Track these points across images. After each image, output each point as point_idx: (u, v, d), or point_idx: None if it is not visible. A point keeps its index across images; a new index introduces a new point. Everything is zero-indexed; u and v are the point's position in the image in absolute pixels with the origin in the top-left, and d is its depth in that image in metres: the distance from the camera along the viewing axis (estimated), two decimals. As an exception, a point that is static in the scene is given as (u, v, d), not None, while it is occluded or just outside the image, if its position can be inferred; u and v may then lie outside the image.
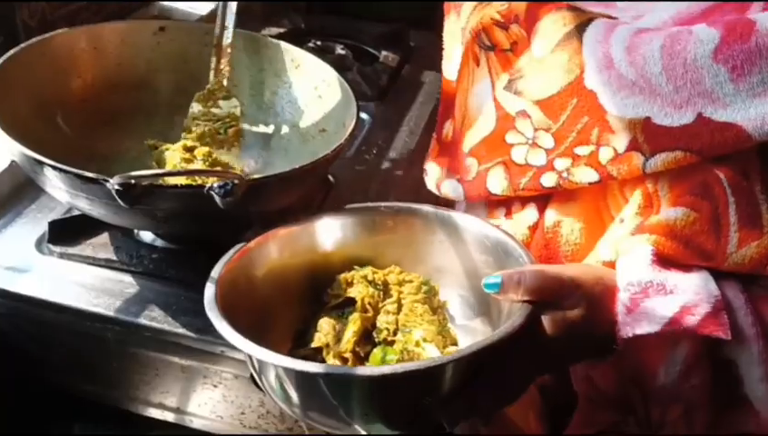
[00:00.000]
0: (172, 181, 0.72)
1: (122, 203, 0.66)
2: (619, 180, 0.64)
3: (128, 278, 0.84)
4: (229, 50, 0.91)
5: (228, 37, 0.90)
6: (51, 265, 0.85)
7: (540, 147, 0.68)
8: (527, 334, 0.58)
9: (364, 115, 1.16)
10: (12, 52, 0.83)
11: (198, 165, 0.82)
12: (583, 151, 0.65)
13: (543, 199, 0.71)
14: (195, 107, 0.89)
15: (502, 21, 0.72)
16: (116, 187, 0.65)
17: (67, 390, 0.91)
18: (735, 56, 0.58)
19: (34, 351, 0.88)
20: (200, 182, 0.75)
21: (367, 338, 0.68)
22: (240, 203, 0.67)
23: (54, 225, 0.87)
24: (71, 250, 0.86)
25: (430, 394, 0.57)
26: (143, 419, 0.90)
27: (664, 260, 0.61)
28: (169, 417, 0.88)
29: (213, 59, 0.91)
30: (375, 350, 0.67)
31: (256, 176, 0.73)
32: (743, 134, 0.58)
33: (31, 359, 0.89)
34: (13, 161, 0.77)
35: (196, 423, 0.88)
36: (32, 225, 0.90)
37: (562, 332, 0.59)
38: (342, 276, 0.71)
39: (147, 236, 0.88)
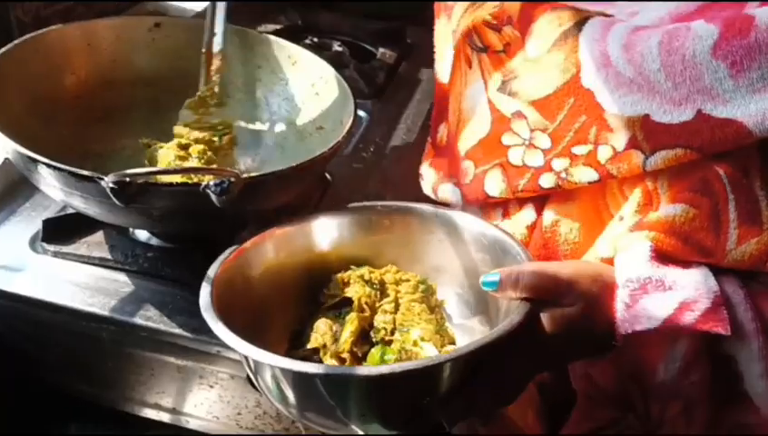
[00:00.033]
0: (167, 179, 0.71)
1: (116, 202, 0.65)
2: (619, 178, 0.64)
3: (123, 277, 0.83)
4: (219, 57, 0.90)
5: (218, 43, 0.90)
6: (45, 264, 0.85)
7: (537, 148, 0.68)
8: (526, 332, 0.58)
9: (361, 113, 1.15)
10: (5, 48, 0.82)
11: (193, 163, 0.82)
12: (581, 150, 0.65)
13: (540, 199, 0.70)
14: (186, 115, 0.88)
15: (494, 23, 0.71)
16: (111, 185, 0.64)
17: (63, 390, 0.91)
18: (735, 52, 0.58)
19: (28, 351, 0.88)
20: (195, 180, 0.74)
21: (364, 338, 0.68)
22: (236, 201, 0.67)
23: (48, 224, 0.87)
24: (65, 249, 0.85)
25: (429, 393, 0.57)
26: (139, 419, 0.89)
27: (662, 256, 0.61)
28: (165, 417, 0.88)
29: (203, 66, 0.90)
30: (373, 350, 0.67)
31: (252, 174, 0.72)
32: (743, 131, 0.58)
33: (26, 359, 0.88)
34: (6, 158, 0.76)
35: (192, 424, 0.88)
36: (26, 224, 0.90)
37: (561, 330, 0.59)
38: (339, 276, 0.71)
39: (142, 235, 0.87)
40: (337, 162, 0.88)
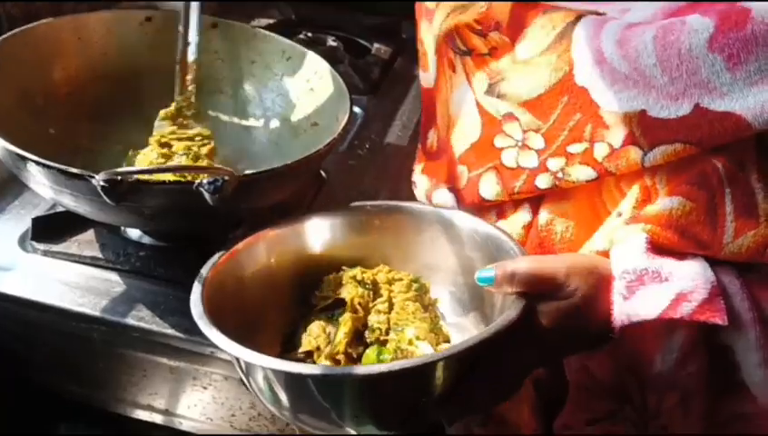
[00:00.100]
0: (159, 177, 0.70)
1: (107, 200, 0.64)
2: (616, 175, 0.64)
3: (114, 276, 0.82)
4: (194, 66, 0.88)
5: (193, 53, 0.88)
6: (35, 263, 0.84)
7: (530, 148, 0.67)
8: (523, 327, 0.58)
9: (356, 109, 1.14)
10: (-6, 42, 0.81)
11: (181, 162, 0.80)
12: (576, 148, 0.64)
13: (536, 199, 0.70)
14: (162, 125, 0.85)
15: (478, 28, 0.71)
16: (102, 183, 0.63)
17: (53, 391, 0.90)
18: (731, 45, 0.57)
19: (18, 352, 0.87)
20: (188, 178, 0.73)
21: (358, 339, 0.67)
22: (230, 199, 0.66)
23: (37, 222, 0.86)
24: (55, 247, 0.84)
25: (427, 392, 0.57)
26: (132, 420, 0.89)
27: (658, 248, 0.61)
28: (157, 419, 0.88)
29: (178, 76, 0.87)
30: (368, 350, 0.66)
31: (247, 172, 0.71)
32: (742, 123, 0.57)
33: (15, 359, 0.87)
34: (-6, 155, 0.75)
35: (185, 425, 0.87)
36: (15, 222, 0.89)
37: (558, 323, 0.59)
38: (330, 277, 0.71)
39: (134, 233, 0.86)
40: (332, 159, 0.88)
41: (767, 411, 0.63)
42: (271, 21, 1.33)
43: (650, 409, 0.64)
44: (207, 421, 0.86)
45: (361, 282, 0.69)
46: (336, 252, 0.73)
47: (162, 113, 0.84)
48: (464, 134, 0.73)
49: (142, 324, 0.77)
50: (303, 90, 0.93)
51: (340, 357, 0.65)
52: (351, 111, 0.83)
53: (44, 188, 0.72)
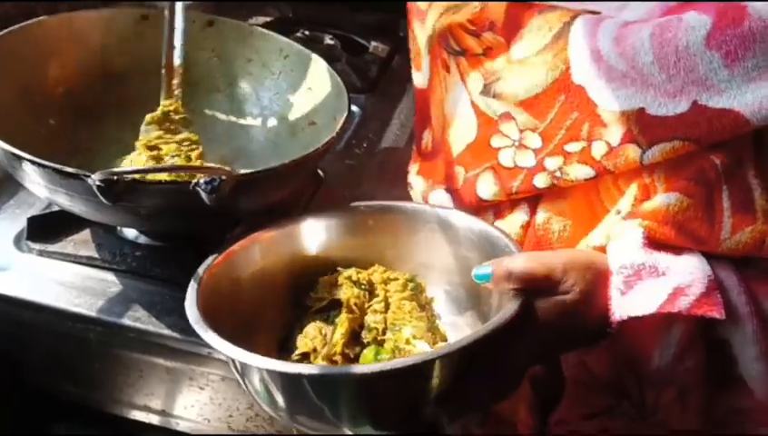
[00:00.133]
0: (155, 177, 0.70)
1: (103, 200, 0.64)
2: (615, 173, 0.63)
3: (111, 276, 0.82)
4: (181, 71, 0.86)
5: (179, 57, 0.86)
6: (30, 263, 0.83)
7: (527, 148, 0.67)
8: (521, 323, 0.57)
9: (354, 108, 1.14)
10: (-10, 40, 0.81)
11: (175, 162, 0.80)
12: (574, 147, 0.64)
13: (534, 198, 0.70)
14: (149, 130, 0.82)
15: (472, 28, 0.70)
16: (98, 183, 0.63)
17: (49, 392, 0.90)
18: (729, 41, 0.57)
19: (13, 352, 0.87)
20: (185, 178, 0.72)
21: (355, 339, 0.67)
22: (227, 199, 0.66)
23: (33, 221, 0.86)
24: (51, 247, 0.84)
25: (426, 390, 0.56)
26: (128, 421, 0.89)
27: (655, 243, 0.61)
28: (154, 420, 0.87)
29: (164, 81, 0.86)
30: (365, 350, 0.66)
31: (244, 172, 0.71)
32: (741, 120, 0.57)
33: (10, 360, 0.87)
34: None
35: (182, 426, 0.87)
36: (10, 221, 0.88)
37: (556, 319, 0.59)
38: (325, 279, 0.70)
39: (130, 233, 0.86)
40: (329, 158, 0.87)
41: (764, 405, 0.63)
42: (269, 19, 1.33)
43: (648, 404, 0.64)
44: (204, 422, 0.85)
45: (357, 283, 0.69)
46: (330, 253, 0.73)
47: (148, 117, 0.82)
48: (460, 135, 0.73)
49: (138, 325, 0.77)
50: (301, 89, 0.92)
51: (338, 358, 0.64)
52: (349, 110, 0.82)
53: (40, 188, 0.71)
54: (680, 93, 0.59)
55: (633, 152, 0.61)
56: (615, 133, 0.62)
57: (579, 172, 0.64)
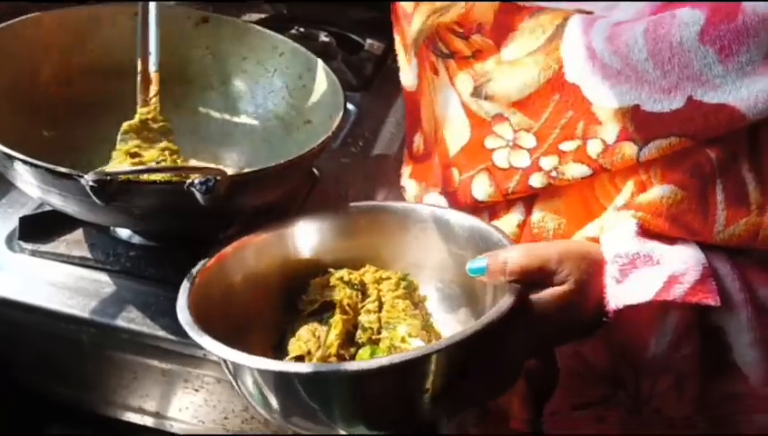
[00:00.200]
0: (149, 177, 0.69)
1: (96, 201, 0.63)
2: (611, 171, 0.63)
3: (104, 277, 0.81)
4: (156, 78, 0.83)
5: (154, 63, 0.83)
6: (22, 263, 0.83)
7: (522, 148, 0.67)
8: (517, 315, 0.57)
9: (349, 106, 1.13)
10: (-21, 37, 0.80)
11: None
12: (569, 146, 0.64)
13: (529, 198, 0.70)
14: (125, 139, 0.80)
15: (460, 30, 0.70)
16: (91, 183, 0.62)
17: (42, 393, 0.89)
18: (723, 36, 0.58)
19: (4, 353, 0.86)
20: (179, 178, 0.71)
21: (349, 341, 0.67)
22: (222, 199, 0.65)
23: (25, 221, 0.85)
24: (43, 247, 0.83)
25: (424, 386, 0.56)
26: (122, 423, 0.88)
27: (648, 233, 0.61)
28: (149, 422, 0.87)
29: (139, 88, 0.83)
30: (361, 350, 0.66)
31: (239, 172, 0.70)
32: (736, 115, 0.57)
33: (2, 361, 0.86)
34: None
35: (177, 428, 0.87)
36: (2, 221, 0.88)
37: (552, 310, 0.59)
38: (317, 281, 0.70)
39: (124, 233, 0.85)
40: (324, 156, 0.87)
41: (758, 391, 0.63)
42: (263, 16, 1.32)
43: (643, 393, 0.65)
44: (199, 424, 0.85)
45: (349, 283, 0.69)
46: (322, 255, 0.73)
47: (125, 125, 0.80)
48: (453, 137, 0.73)
49: (132, 326, 0.76)
50: (296, 87, 0.92)
51: (333, 359, 0.64)
52: (345, 109, 0.82)
53: (32, 187, 0.71)
54: (675, 89, 0.59)
55: (629, 149, 0.61)
56: (610, 130, 0.62)
57: (575, 170, 0.64)
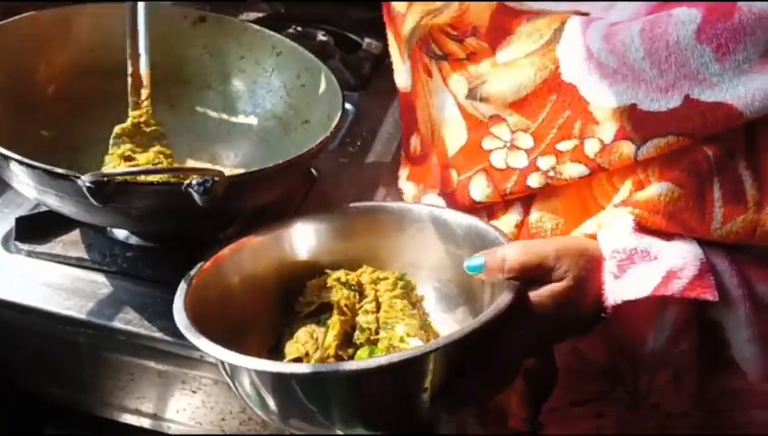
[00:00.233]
0: (147, 178, 0.69)
1: (93, 202, 0.63)
2: (609, 170, 0.64)
3: (101, 278, 0.81)
4: (147, 79, 0.82)
5: (145, 64, 0.82)
6: (18, 264, 0.82)
7: (519, 148, 0.67)
8: (516, 313, 0.57)
9: (348, 106, 1.13)
10: (-25, 37, 0.79)
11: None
12: (566, 146, 0.65)
13: (527, 198, 0.70)
14: (118, 143, 0.79)
15: (454, 33, 0.70)
16: (88, 184, 0.62)
17: (37, 395, 0.89)
18: (719, 35, 0.58)
19: (1, 354, 0.86)
20: (177, 179, 0.71)
21: (347, 342, 0.66)
22: (220, 200, 0.65)
23: (21, 221, 0.84)
24: (40, 248, 0.83)
25: (423, 385, 0.56)
26: (119, 424, 0.88)
27: (645, 230, 0.61)
28: (145, 423, 0.87)
29: (131, 91, 0.82)
30: (359, 351, 0.66)
31: (237, 173, 0.70)
32: (734, 113, 0.58)
33: (-2, 362, 0.86)
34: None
35: (174, 430, 0.86)
36: (-3, 221, 0.87)
37: (551, 307, 0.59)
38: (313, 282, 0.70)
39: (121, 233, 0.85)
40: (323, 156, 0.87)
41: (756, 387, 0.64)
42: (260, 15, 1.31)
43: (641, 389, 0.65)
44: (197, 426, 0.84)
45: (346, 284, 0.69)
46: (318, 256, 0.73)
47: (117, 129, 0.79)
48: (450, 139, 0.73)
49: (129, 328, 0.76)
50: (294, 87, 0.91)
51: (331, 360, 0.64)
52: (344, 109, 0.82)
53: (28, 188, 0.70)
54: (672, 87, 0.59)
55: (627, 148, 0.61)
56: (607, 130, 0.62)
57: (573, 170, 0.64)
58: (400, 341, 0.65)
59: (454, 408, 0.59)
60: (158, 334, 0.75)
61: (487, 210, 0.73)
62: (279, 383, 0.56)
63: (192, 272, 0.65)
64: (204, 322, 0.59)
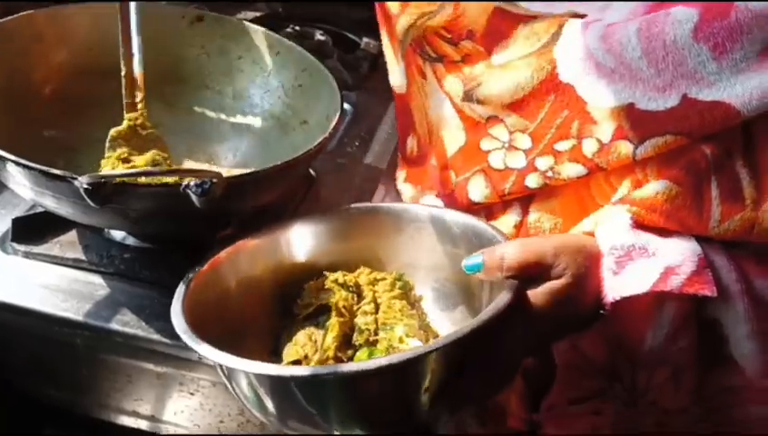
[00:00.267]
0: (145, 179, 0.69)
1: (91, 203, 0.62)
2: (607, 170, 0.64)
3: (98, 279, 0.80)
4: (141, 80, 0.81)
5: (138, 64, 0.81)
6: (15, 265, 0.82)
7: (517, 149, 0.67)
8: (515, 312, 0.57)
9: (346, 105, 1.13)
10: (-29, 36, 0.79)
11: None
12: (564, 146, 0.65)
13: (525, 198, 0.70)
14: (114, 146, 0.78)
15: (448, 36, 0.70)
16: (85, 186, 0.61)
17: (34, 396, 0.88)
18: (716, 34, 0.58)
19: (-2, 356, 0.85)
20: (173, 180, 0.71)
21: (347, 343, 0.66)
22: (218, 201, 0.64)
23: (18, 222, 0.84)
24: (36, 249, 0.82)
25: (422, 386, 0.55)
26: (116, 426, 0.87)
27: (643, 227, 0.61)
28: (143, 425, 0.86)
29: (125, 91, 0.81)
30: (358, 352, 0.65)
31: (235, 174, 0.69)
32: (731, 112, 0.58)
33: (-5, 363, 0.86)
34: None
35: (172, 432, 0.86)
36: (-6, 222, 0.87)
37: (550, 304, 0.59)
38: (311, 284, 0.70)
39: (118, 234, 0.84)
40: (321, 157, 0.86)
41: (754, 384, 0.63)
42: (258, 14, 1.31)
43: (640, 386, 0.65)
44: (195, 428, 0.84)
45: (344, 286, 0.68)
46: (315, 258, 0.72)
47: (113, 131, 0.78)
48: (448, 140, 0.73)
49: (126, 329, 0.75)
50: (292, 87, 0.91)
51: (331, 362, 0.64)
52: (342, 109, 0.81)
53: (25, 189, 0.70)
54: (669, 87, 0.59)
55: (625, 148, 0.61)
56: (605, 129, 0.62)
57: (571, 170, 0.64)
58: (399, 341, 0.65)
59: (453, 408, 0.59)
60: (155, 336, 0.75)
61: (486, 211, 0.73)
62: (278, 386, 0.55)
63: (190, 276, 0.64)
64: (202, 326, 0.59)
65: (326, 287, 0.68)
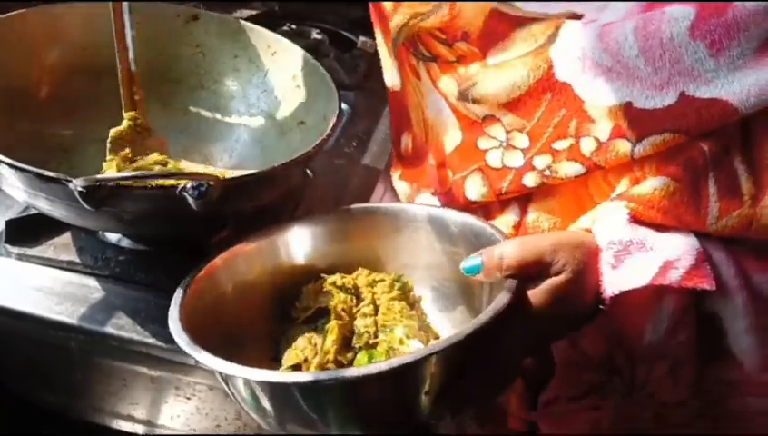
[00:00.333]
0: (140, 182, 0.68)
1: (86, 206, 0.62)
2: (605, 169, 0.64)
3: (93, 282, 0.80)
4: (138, 78, 0.80)
5: (133, 61, 0.81)
6: (8, 268, 0.81)
7: (515, 148, 0.67)
8: (516, 311, 0.57)
9: (343, 105, 1.11)
10: (-38, 36, 0.78)
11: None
12: (562, 145, 0.64)
13: (524, 198, 0.70)
14: (115, 147, 0.77)
15: (443, 37, 0.70)
16: (80, 189, 0.61)
17: (29, 400, 0.88)
18: (713, 31, 0.58)
19: (-9, 359, 0.85)
20: (170, 182, 0.70)
21: (346, 346, 0.66)
22: (215, 204, 0.64)
23: (11, 224, 0.83)
24: (30, 251, 0.82)
25: (423, 388, 0.55)
26: (111, 431, 0.87)
27: (640, 223, 0.61)
28: (139, 429, 0.86)
29: (123, 90, 0.80)
30: (358, 355, 0.65)
31: (231, 176, 0.69)
32: (729, 109, 0.58)
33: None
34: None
35: (168, 436, 0.85)
36: (-13, 224, 0.86)
37: (550, 302, 0.58)
38: (309, 287, 0.69)
39: (113, 237, 0.84)
40: (318, 157, 0.85)
41: (753, 378, 0.64)
42: (254, 12, 1.31)
43: (638, 380, 0.65)
44: (191, 432, 0.84)
45: (343, 288, 0.68)
46: (313, 261, 0.72)
47: (112, 132, 0.78)
48: (445, 139, 0.73)
49: (121, 333, 0.75)
50: (289, 87, 0.90)
51: (331, 366, 0.63)
52: (340, 110, 0.81)
53: (18, 191, 0.69)
54: (667, 85, 0.59)
55: (623, 146, 0.61)
56: (603, 128, 0.62)
57: (569, 169, 0.64)
58: (399, 343, 0.64)
59: (454, 410, 0.58)
60: (151, 340, 0.74)
61: (484, 211, 0.72)
62: (279, 392, 0.55)
63: (187, 281, 0.64)
64: (201, 332, 0.58)
65: (324, 290, 0.68)
